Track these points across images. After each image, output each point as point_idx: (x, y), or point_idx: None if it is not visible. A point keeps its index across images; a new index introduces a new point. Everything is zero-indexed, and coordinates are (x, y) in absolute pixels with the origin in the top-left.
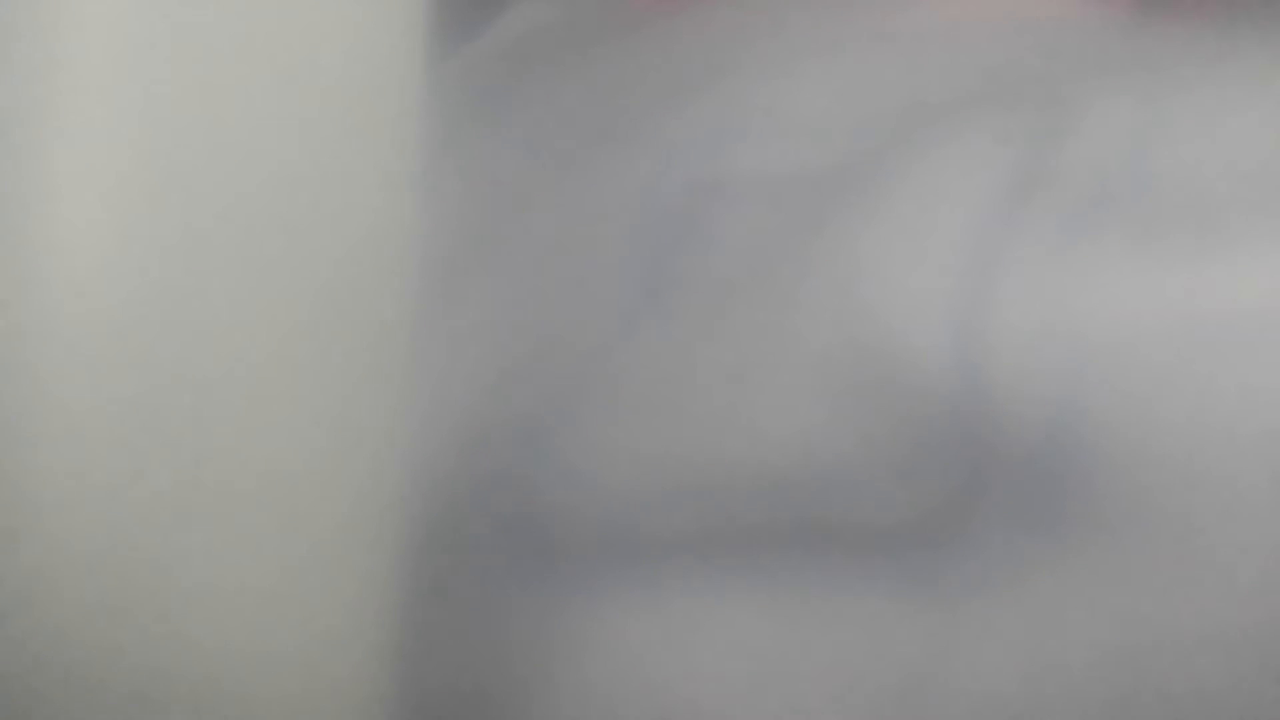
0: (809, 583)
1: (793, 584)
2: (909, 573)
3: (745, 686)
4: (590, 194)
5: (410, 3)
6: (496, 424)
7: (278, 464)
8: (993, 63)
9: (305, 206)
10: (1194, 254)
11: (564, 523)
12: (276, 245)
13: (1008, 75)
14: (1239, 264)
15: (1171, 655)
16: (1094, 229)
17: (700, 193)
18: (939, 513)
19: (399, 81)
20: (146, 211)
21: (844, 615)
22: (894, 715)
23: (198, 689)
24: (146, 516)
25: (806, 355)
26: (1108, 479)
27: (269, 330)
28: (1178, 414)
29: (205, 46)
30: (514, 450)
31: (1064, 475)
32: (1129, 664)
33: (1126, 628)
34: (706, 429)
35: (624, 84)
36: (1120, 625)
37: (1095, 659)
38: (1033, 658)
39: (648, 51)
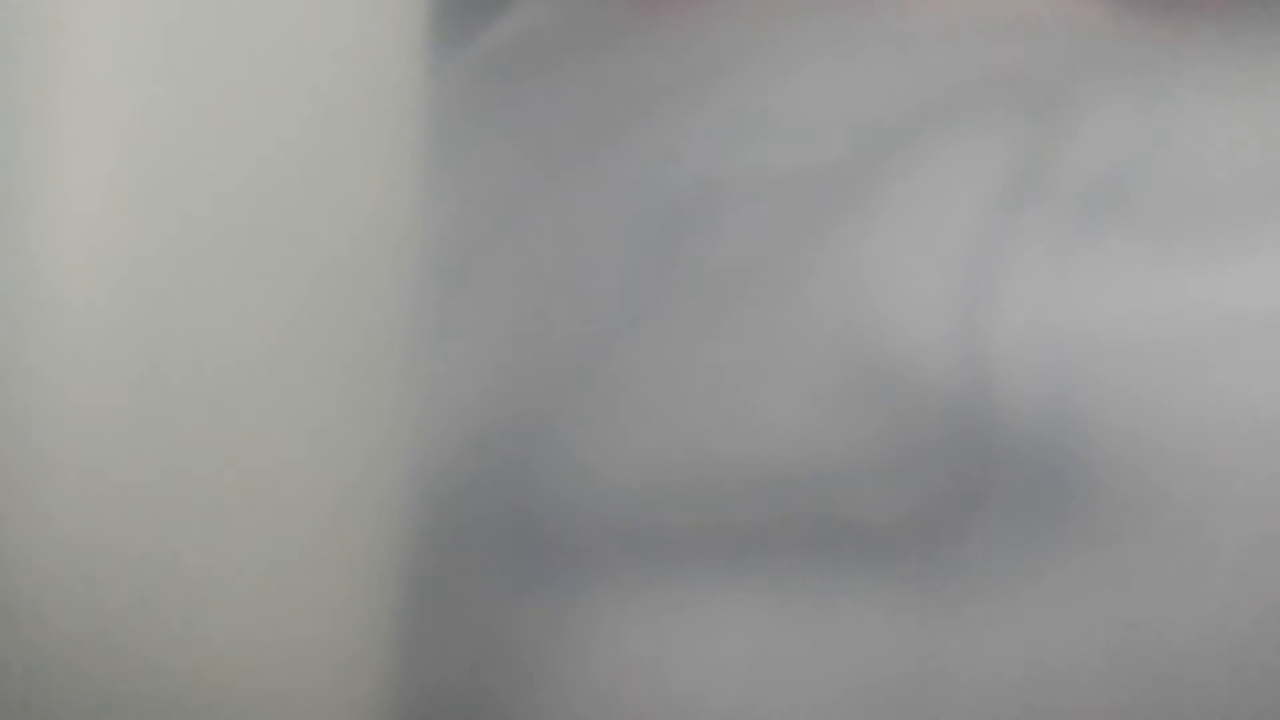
0: (810, 581)
1: (794, 582)
2: (911, 571)
3: (746, 684)
4: (591, 193)
5: (410, 3)
6: (497, 422)
7: (277, 462)
8: (993, 63)
9: (305, 206)
10: (1194, 254)
11: (564, 521)
12: (277, 244)
13: (1008, 75)
14: (1239, 264)
15: (1173, 654)
16: (1094, 229)
17: (701, 192)
18: (941, 511)
19: (399, 81)
20: (147, 211)
21: (846, 613)
22: (895, 713)
23: (196, 686)
24: (145, 514)
25: (808, 354)
26: (1108, 478)
27: (269, 329)
28: (1178, 413)
29: (206, 45)
30: (514, 449)
31: (1065, 474)
32: (1131, 663)
33: (1128, 627)
34: (708, 428)
35: (624, 84)
36: (1122, 624)
37: (1097, 657)
38: (1034, 656)
39: (648, 51)
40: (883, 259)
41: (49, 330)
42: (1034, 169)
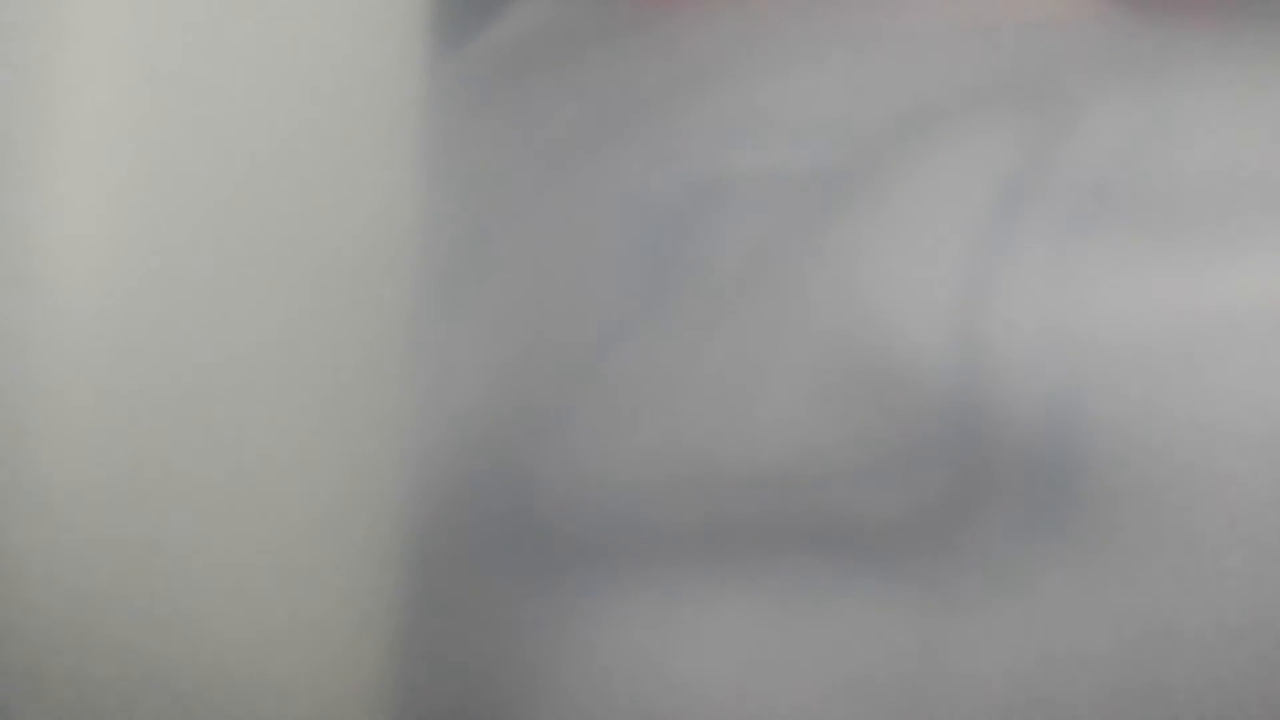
0: (810, 581)
1: (794, 582)
2: (910, 571)
3: (745, 682)
4: (590, 193)
5: (410, 3)
6: (498, 421)
7: (279, 461)
8: (993, 63)
9: (305, 206)
10: (1195, 253)
11: (564, 519)
12: (277, 244)
13: (1009, 75)
14: (1240, 263)
15: (1172, 653)
16: (1095, 228)
17: (700, 193)
18: (940, 511)
19: (399, 81)
20: (147, 211)
21: (845, 614)
22: (895, 712)
23: (193, 682)
24: (144, 512)
25: (808, 354)
26: (1108, 478)
27: (269, 329)
28: (1178, 413)
29: (206, 46)
30: (514, 448)
31: (1064, 474)
32: (1129, 662)
33: (1127, 626)
34: (707, 428)
35: (624, 84)
36: (1120, 624)
37: (1095, 657)
38: (1033, 656)
39: (648, 51)
40: (883, 258)
41: (50, 328)
42: (1033, 168)
